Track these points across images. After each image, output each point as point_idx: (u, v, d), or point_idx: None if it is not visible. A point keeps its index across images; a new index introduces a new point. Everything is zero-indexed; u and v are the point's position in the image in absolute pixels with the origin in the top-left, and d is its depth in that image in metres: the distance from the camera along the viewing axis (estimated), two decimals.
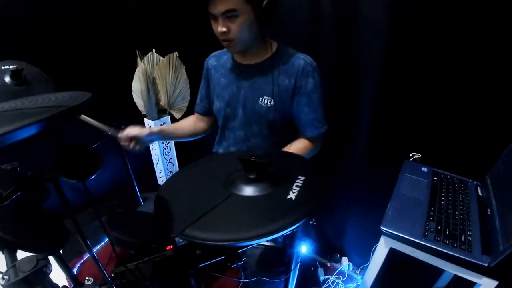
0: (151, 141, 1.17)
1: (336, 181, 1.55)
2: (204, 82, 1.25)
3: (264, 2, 0.92)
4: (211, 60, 1.22)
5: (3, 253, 0.51)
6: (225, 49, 1.19)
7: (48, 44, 1.44)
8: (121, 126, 1.06)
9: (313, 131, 1.09)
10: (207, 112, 1.29)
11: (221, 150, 1.25)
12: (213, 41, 1.06)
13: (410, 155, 1.25)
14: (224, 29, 0.94)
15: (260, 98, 1.07)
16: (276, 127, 1.11)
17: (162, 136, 1.22)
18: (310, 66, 1.04)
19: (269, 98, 1.06)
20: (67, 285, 0.61)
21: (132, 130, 1.06)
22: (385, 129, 1.31)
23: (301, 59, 1.04)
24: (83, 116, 0.95)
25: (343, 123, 1.41)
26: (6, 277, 0.46)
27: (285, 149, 1.10)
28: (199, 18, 1.24)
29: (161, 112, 1.89)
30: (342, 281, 1.60)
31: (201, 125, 1.32)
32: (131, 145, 1.06)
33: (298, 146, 1.10)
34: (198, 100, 1.30)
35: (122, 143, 1.05)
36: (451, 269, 0.89)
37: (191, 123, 1.31)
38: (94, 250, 0.71)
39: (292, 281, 0.99)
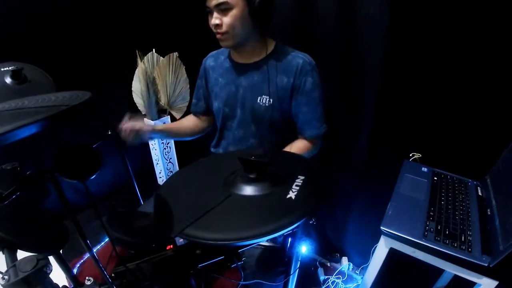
0: (151, 139, 1.16)
1: (336, 181, 1.55)
2: (201, 82, 1.25)
3: None
4: (209, 60, 1.22)
5: (3, 253, 0.51)
6: (222, 49, 1.19)
7: (48, 44, 1.44)
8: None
9: (312, 131, 1.08)
10: (205, 112, 1.29)
11: (220, 150, 1.25)
12: (213, 41, 1.06)
13: (410, 155, 1.25)
14: (217, 22, 0.97)
15: (259, 97, 1.07)
16: (275, 127, 1.11)
17: (162, 135, 1.22)
18: (309, 65, 1.04)
19: (267, 97, 1.06)
20: (67, 285, 0.61)
21: (136, 124, 1.04)
22: (385, 129, 1.32)
23: (300, 58, 1.05)
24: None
25: (343, 123, 1.41)
26: (6, 277, 0.46)
27: (286, 149, 1.10)
28: (199, 18, 1.24)
29: (161, 112, 1.89)
30: (342, 281, 1.60)
31: (200, 125, 1.32)
32: (130, 137, 1.04)
33: (298, 146, 1.10)
34: (195, 100, 1.30)
35: (122, 133, 1.03)
36: (451, 269, 0.89)
37: (191, 123, 1.31)
38: (94, 250, 0.71)
39: (292, 281, 0.98)
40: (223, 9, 0.95)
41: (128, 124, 1.03)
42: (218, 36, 1.02)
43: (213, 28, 1.00)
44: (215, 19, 0.97)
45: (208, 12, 1.00)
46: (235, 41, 1.01)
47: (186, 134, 1.29)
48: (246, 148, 1.16)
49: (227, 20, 0.97)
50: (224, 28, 0.98)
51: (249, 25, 0.99)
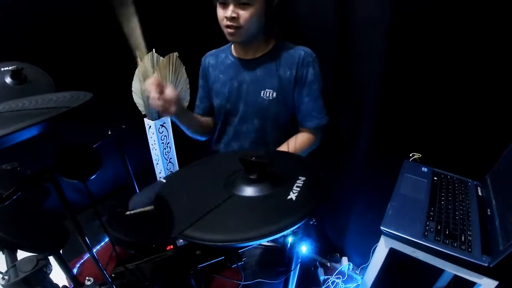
0: (176, 115, 1.05)
1: (337, 181, 1.55)
2: (202, 82, 1.25)
3: None
4: (208, 59, 1.21)
5: (3, 253, 0.51)
6: (222, 47, 1.19)
7: (49, 44, 1.44)
8: (121, 126, 1.06)
9: (313, 122, 1.09)
10: (208, 113, 1.28)
11: (222, 146, 1.25)
12: (213, 41, 1.06)
13: (410, 155, 1.25)
14: (233, 15, 0.96)
15: (262, 91, 1.08)
16: (278, 122, 1.11)
17: (184, 117, 1.13)
18: (310, 56, 1.06)
19: (271, 90, 1.07)
20: (67, 285, 0.61)
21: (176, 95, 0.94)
22: (385, 129, 1.31)
23: (301, 50, 1.07)
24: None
25: (343, 123, 1.41)
26: (6, 277, 0.46)
27: (290, 141, 1.10)
28: (199, 18, 1.24)
29: None
30: (342, 281, 1.60)
31: (206, 125, 1.29)
32: (172, 108, 0.94)
33: (302, 139, 1.11)
34: (197, 102, 1.30)
35: (162, 103, 0.93)
36: (451, 269, 0.89)
37: (201, 118, 1.28)
38: (94, 250, 0.71)
39: (292, 281, 0.98)
40: (244, 3, 0.95)
41: (172, 94, 0.93)
42: (229, 30, 0.99)
43: (225, 21, 0.98)
44: (232, 12, 0.95)
45: (220, 3, 0.98)
46: (245, 37, 1.01)
47: (197, 126, 1.22)
48: (249, 144, 1.16)
49: (245, 15, 0.96)
50: (240, 23, 0.97)
51: (262, 23, 1.00)
